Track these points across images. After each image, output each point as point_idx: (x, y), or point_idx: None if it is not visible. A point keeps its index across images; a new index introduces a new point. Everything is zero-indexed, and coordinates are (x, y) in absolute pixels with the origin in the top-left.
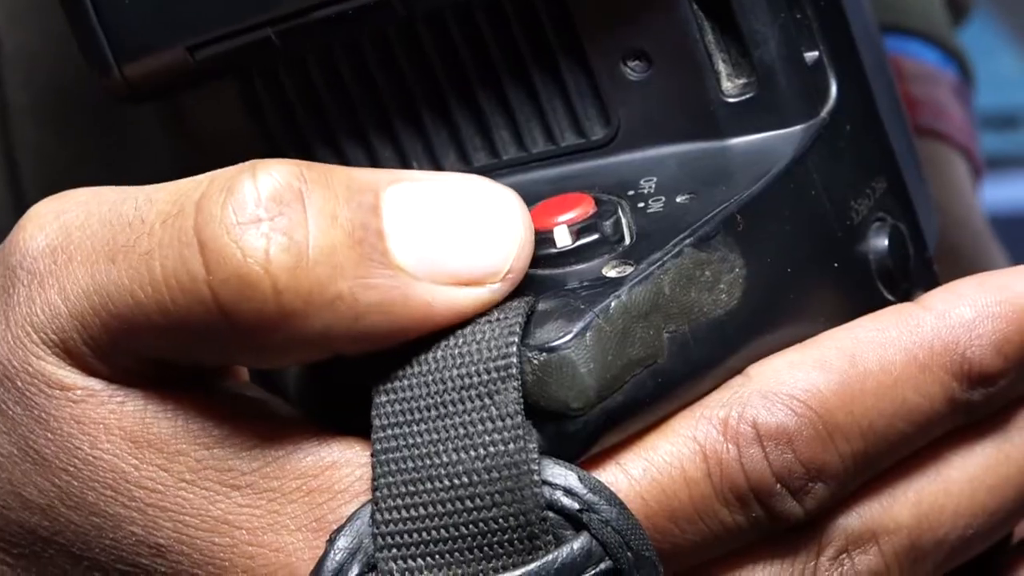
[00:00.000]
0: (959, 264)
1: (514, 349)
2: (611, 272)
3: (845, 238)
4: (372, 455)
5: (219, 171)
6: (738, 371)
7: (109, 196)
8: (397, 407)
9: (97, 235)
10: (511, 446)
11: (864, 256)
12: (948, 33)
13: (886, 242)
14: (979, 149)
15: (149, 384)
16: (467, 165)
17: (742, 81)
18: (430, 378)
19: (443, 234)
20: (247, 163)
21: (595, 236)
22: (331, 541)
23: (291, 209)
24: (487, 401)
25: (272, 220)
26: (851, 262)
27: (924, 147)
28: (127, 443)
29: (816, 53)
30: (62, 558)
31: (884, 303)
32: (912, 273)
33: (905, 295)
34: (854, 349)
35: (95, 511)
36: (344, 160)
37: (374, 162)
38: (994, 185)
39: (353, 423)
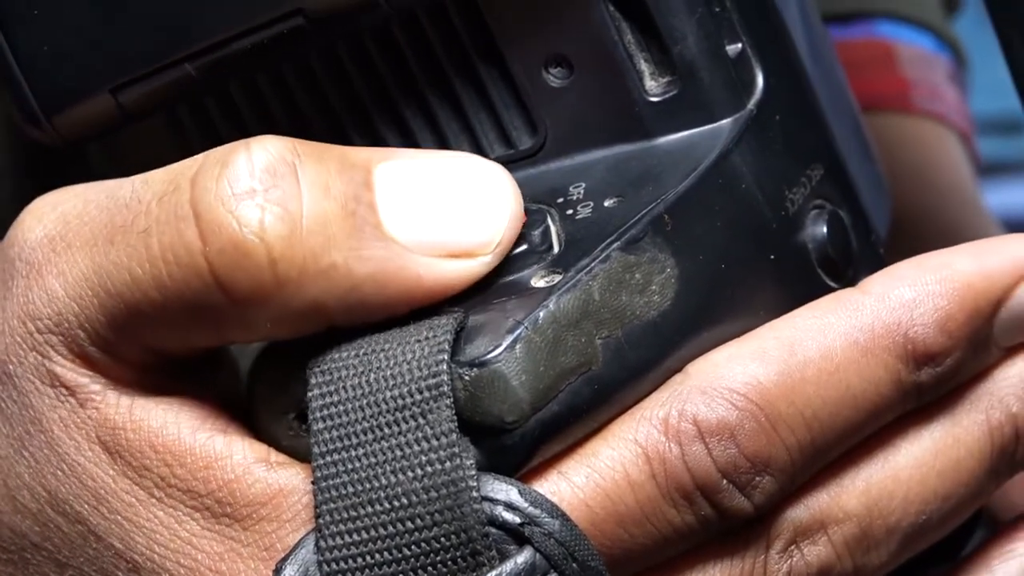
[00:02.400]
0: (957, 240)
1: (444, 367)
2: (539, 282)
3: (781, 229)
4: (313, 482)
5: (213, 149)
6: (678, 371)
7: (106, 184)
8: (335, 432)
9: (96, 220)
10: (447, 464)
11: (803, 245)
12: (941, 21)
13: (824, 229)
14: (974, 132)
15: (132, 387)
16: None
17: (665, 79)
18: (364, 401)
19: (435, 207)
20: (242, 140)
21: (523, 247)
22: (277, 571)
23: (285, 181)
24: (421, 421)
25: (267, 191)
26: (789, 253)
27: (920, 127)
28: (105, 452)
29: (739, 45)
30: (48, 565)
31: (827, 292)
32: (855, 259)
33: (850, 282)
34: (793, 338)
35: (80, 519)
36: None
37: None
38: (996, 190)
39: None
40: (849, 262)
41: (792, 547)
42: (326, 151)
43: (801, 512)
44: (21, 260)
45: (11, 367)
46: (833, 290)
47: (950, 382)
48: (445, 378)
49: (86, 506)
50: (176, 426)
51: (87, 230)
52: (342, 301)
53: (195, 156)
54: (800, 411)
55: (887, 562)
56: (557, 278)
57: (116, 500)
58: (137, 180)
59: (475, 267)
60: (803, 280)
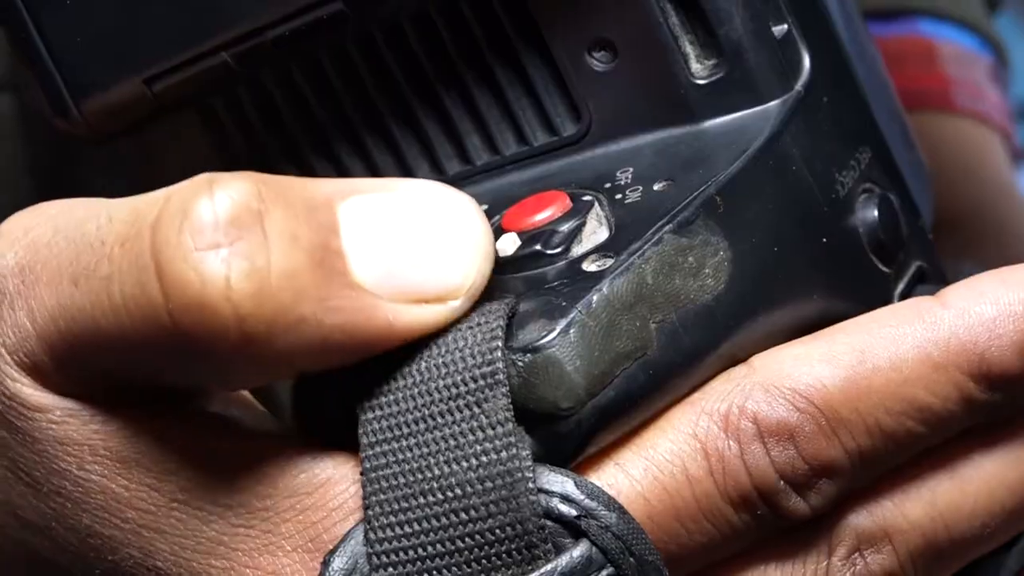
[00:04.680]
0: (1002, 237)
1: (499, 354)
2: (591, 266)
3: (832, 212)
4: (362, 473)
5: (175, 188)
6: (733, 357)
7: (77, 212)
8: (384, 423)
9: (63, 254)
10: (503, 454)
11: (854, 229)
12: (983, 19)
13: (876, 213)
14: (1016, 132)
15: (131, 404)
16: (440, 174)
17: (711, 61)
18: (416, 391)
19: (402, 250)
20: (202, 179)
21: (571, 230)
22: (326, 563)
23: (251, 232)
24: (476, 410)
25: (232, 245)
26: (840, 236)
27: (962, 126)
28: (115, 463)
29: (785, 26)
30: None
31: (879, 275)
32: (906, 243)
33: (900, 266)
34: (865, 344)
35: (91, 533)
36: (313, 175)
37: (344, 176)
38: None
39: (346, 438)
40: (900, 246)
41: (855, 555)
42: (290, 192)
43: (864, 520)
44: None
45: None
46: (884, 274)
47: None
48: (500, 365)
49: (97, 519)
50: (205, 428)
51: (54, 264)
52: (311, 351)
53: (157, 193)
54: (863, 418)
55: (948, 573)
56: (609, 262)
57: (131, 509)
58: (103, 214)
59: (445, 312)
60: (855, 264)
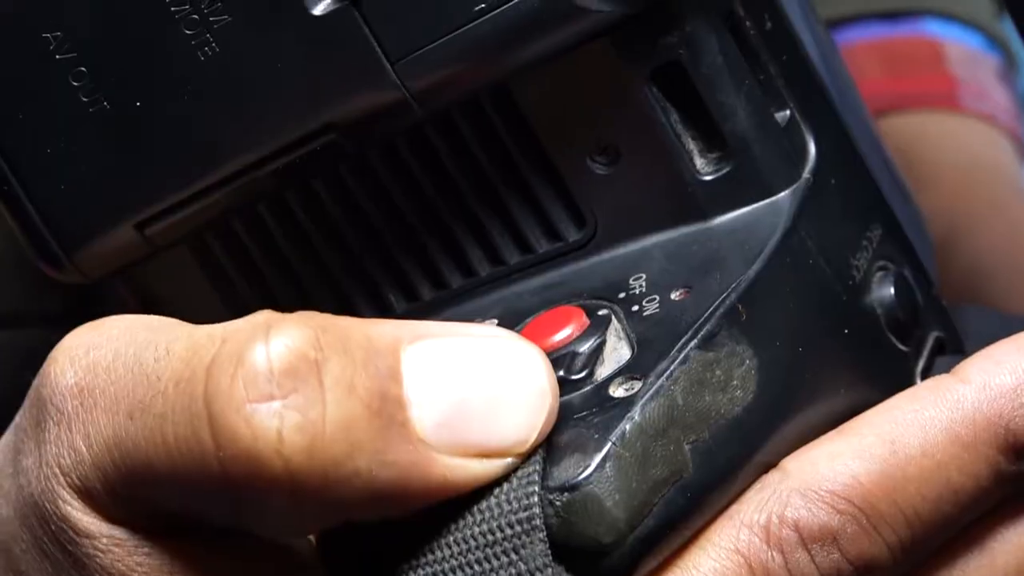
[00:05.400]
0: (1016, 237)
1: (535, 499)
2: (618, 391)
3: (850, 299)
4: None
5: (233, 329)
6: (767, 464)
7: (138, 336)
8: (421, 571)
9: (120, 382)
10: None
11: (872, 311)
12: (991, 20)
13: (892, 291)
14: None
15: (176, 536)
16: (444, 289)
17: (715, 156)
18: (451, 538)
19: (467, 402)
20: (261, 321)
21: (591, 349)
22: None
23: (306, 385)
24: (514, 556)
25: (286, 398)
26: (860, 322)
27: (968, 127)
28: None
29: (787, 112)
30: None
31: (899, 355)
32: (922, 316)
33: (919, 343)
34: (894, 434)
35: None
36: (312, 306)
37: (345, 303)
38: None
39: None
40: (917, 322)
41: None
42: (351, 337)
43: None
44: (53, 405)
45: (48, 513)
46: (903, 353)
47: None
48: (537, 511)
49: None
50: (245, 566)
51: (112, 391)
52: (361, 504)
53: (216, 329)
54: (902, 510)
55: None
56: (637, 385)
57: None
58: (162, 344)
59: (502, 467)
60: (875, 348)
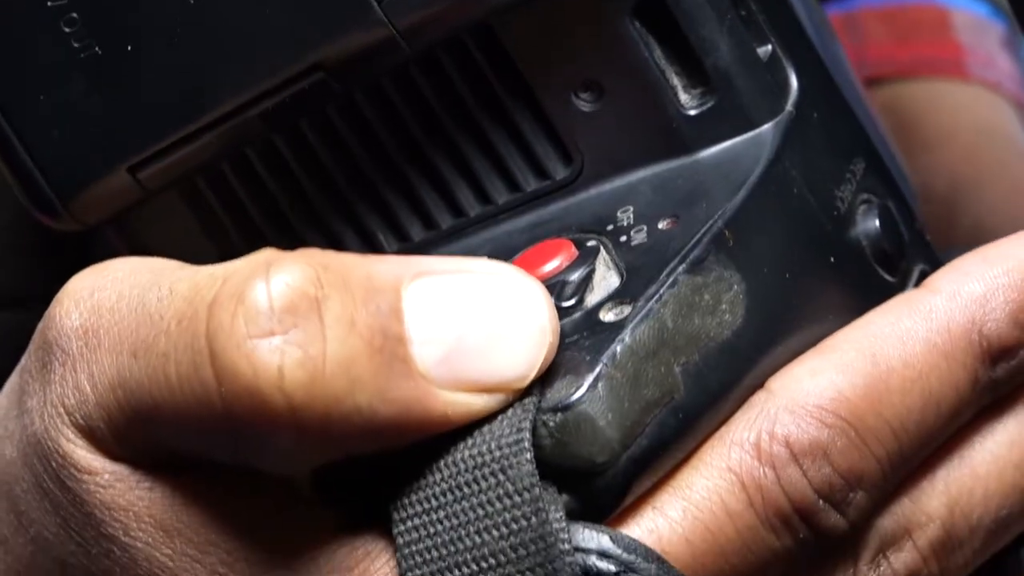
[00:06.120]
0: (1011, 209)
1: (528, 423)
2: (608, 315)
3: (835, 229)
4: (395, 550)
5: (234, 268)
6: (758, 387)
7: (142, 278)
8: (414, 496)
9: (124, 322)
10: (533, 520)
11: (857, 243)
12: None
13: (877, 223)
14: None
15: (177, 472)
16: (434, 230)
17: (699, 91)
18: (443, 462)
19: (468, 338)
20: (261, 260)
21: (582, 278)
22: None
23: (306, 320)
24: (501, 477)
25: (286, 333)
26: (846, 252)
27: (975, 94)
28: (159, 532)
29: (769, 47)
30: None
31: (885, 286)
32: (907, 249)
33: (904, 275)
34: (873, 347)
35: None
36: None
37: (336, 246)
38: None
39: (373, 511)
40: (903, 254)
41: (879, 556)
42: (352, 275)
43: (886, 521)
44: (58, 346)
45: (50, 451)
46: (890, 284)
47: (1022, 375)
48: (527, 434)
49: None
50: (238, 500)
51: (116, 331)
52: (362, 439)
53: (217, 269)
54: (888, 421)
55: (972, 560)
56: (627, 309)
57: None
58: (165, 284)
59: (500, 401)
60: (862, 278)
